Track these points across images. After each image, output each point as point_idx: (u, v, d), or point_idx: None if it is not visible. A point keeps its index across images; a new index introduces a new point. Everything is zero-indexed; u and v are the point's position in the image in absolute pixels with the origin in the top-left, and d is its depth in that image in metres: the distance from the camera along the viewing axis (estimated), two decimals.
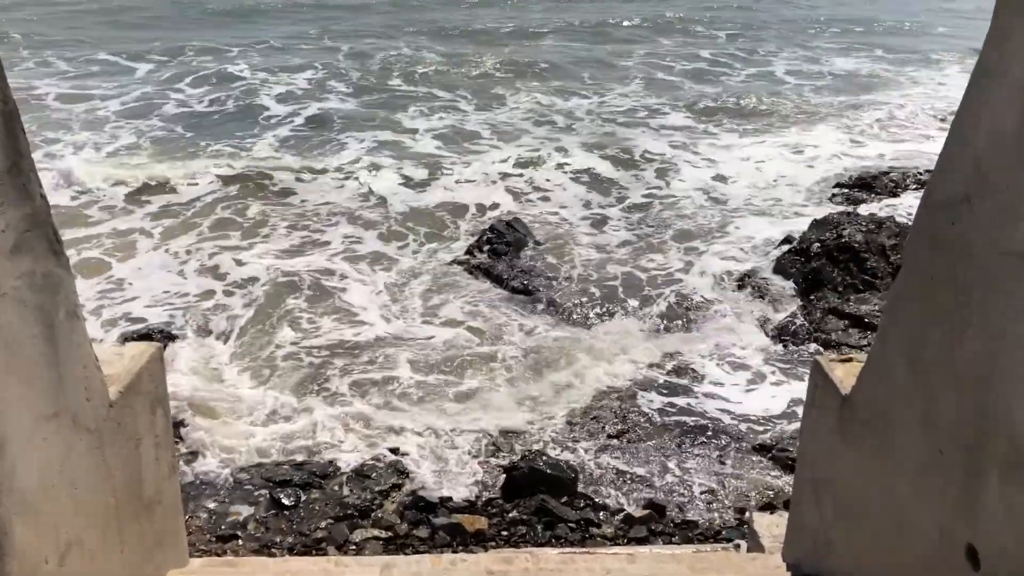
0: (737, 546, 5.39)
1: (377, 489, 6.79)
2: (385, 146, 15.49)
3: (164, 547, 4.23)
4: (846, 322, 9.30)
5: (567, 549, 5.38)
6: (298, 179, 13.92)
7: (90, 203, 12.70)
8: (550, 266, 11.16)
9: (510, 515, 6.50)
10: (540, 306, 10.06)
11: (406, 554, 5.83)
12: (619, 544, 6.04)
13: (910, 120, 17.78)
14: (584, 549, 5.37)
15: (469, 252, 11.36)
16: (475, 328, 9.58)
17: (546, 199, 13.42)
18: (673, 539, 6.13)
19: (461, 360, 8.93)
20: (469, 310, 9.97)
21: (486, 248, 11.30)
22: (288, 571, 4.48)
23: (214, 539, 6.09)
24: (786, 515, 5.36)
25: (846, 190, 13.81)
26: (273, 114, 17.28)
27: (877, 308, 9.30)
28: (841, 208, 12.64)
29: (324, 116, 17.18)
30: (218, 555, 5.61)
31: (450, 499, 6.77)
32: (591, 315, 9.92)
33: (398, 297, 10.28)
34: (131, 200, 12.85)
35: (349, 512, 6.50)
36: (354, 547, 6.04)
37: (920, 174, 14.40)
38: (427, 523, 6.36)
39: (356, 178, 14.02)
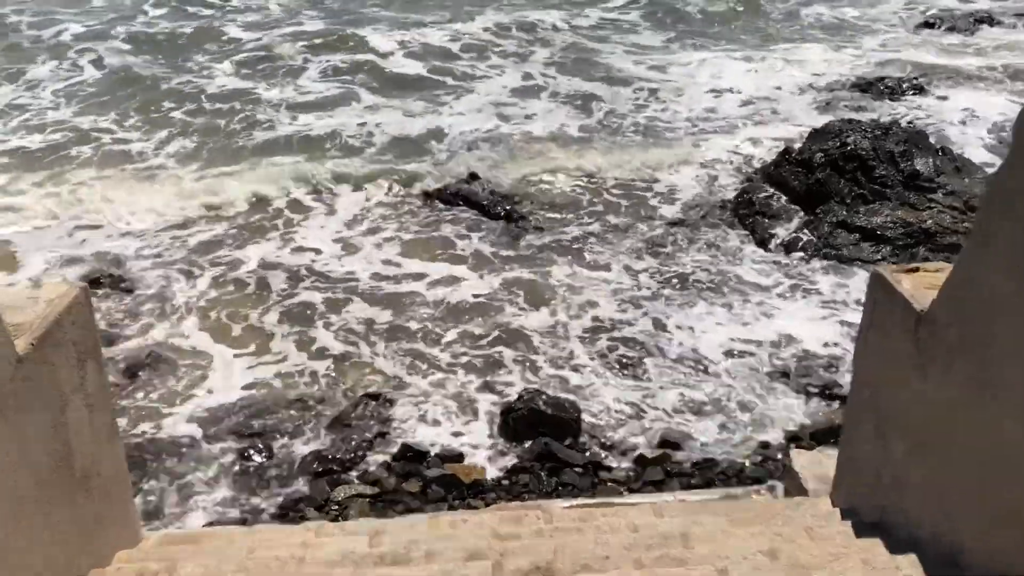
0: (771, 488, 4.80)
1: (360, 439, 6.09)
2: (359, 68, 14.46)
3: (107, 526, 3.58)
4: (857, 235, 8.66)
5: (579, 500, 4.77)
6: (267, 105, 12.98)
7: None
8: (533, 191, 10.40)
9: (510, 462, 5.87)
10: (524, 233, 9.34)
11: (396, 512, 5.21)
12: (633, 489, 5.43)
13: (898, 28, 16.98)
14: (600, 500, 4.76)
15: (444, 181, 10.58)
16: (457, 259, 8.88)
17: (524, 120, 12.54)
18: (693, 480, 5.52)
19: (444, 294, 8.24)
20: (447, 239, 9.25)
21: (465, 175, 10.54)
22: (260, 545, 3.83)
23: (173, 509, 5.39)
24: (827, 452, 4.77)
25: (842, 97, 13.10)
26: (235, 38, 16.16)
27: (890, 220, 8.66)
28: (840, 116, 11.89)
29: (291, 37, 16.08)
30: (178, 528, 4.95)
31: (442, 447, 6.09)
32: (578, 242, 9.19)
33: (369, 229, 9.52)
34: (83, 139, 11.86)
35: (329, 467, 5.81)
36: (336, 506, 5.38)
37: (916, 79, 13.71)
38: (418, 475, 5.70)
39: (328, 106, 13.08)
